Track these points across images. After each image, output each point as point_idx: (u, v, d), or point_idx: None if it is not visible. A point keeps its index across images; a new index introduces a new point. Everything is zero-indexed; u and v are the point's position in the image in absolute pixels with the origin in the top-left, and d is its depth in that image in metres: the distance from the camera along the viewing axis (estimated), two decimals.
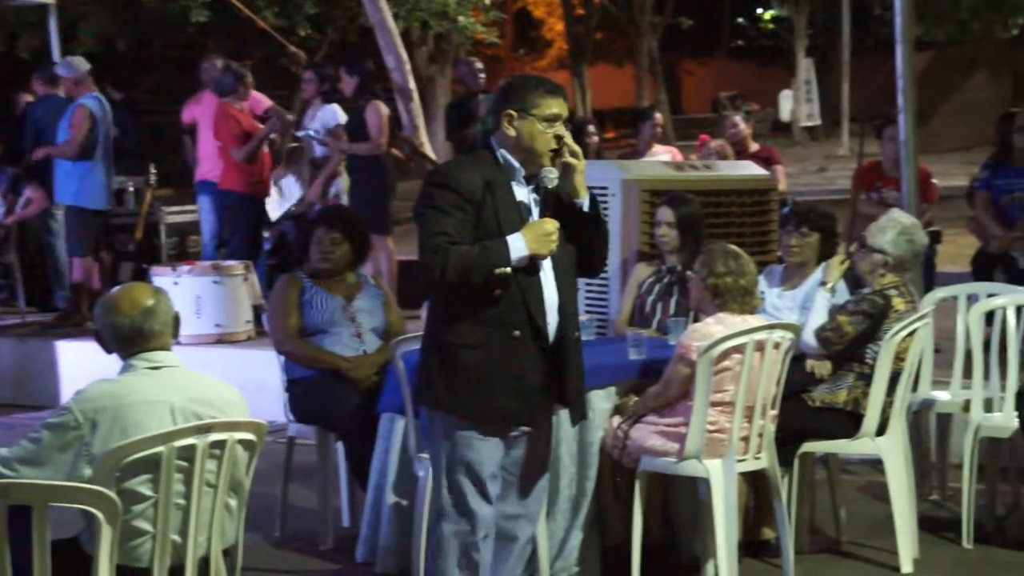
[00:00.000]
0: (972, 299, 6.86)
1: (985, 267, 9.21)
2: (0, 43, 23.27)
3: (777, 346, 5.57)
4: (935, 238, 9.34)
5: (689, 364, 5.50)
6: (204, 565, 4.19)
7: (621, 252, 7.17)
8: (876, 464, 6.35)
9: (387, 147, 10.40)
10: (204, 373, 4.39)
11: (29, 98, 11.79)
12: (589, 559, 5.82)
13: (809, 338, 6.04)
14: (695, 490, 5.81)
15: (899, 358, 5.96)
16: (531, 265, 4.59)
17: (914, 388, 6.35)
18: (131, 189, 11.87)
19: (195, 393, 4.23)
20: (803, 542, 6.20)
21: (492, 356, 4.60)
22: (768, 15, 43.46)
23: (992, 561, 6.16)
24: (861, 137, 11.85)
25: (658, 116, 11.51)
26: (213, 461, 4.11)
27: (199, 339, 9.44)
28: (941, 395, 6.87)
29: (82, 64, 10.76)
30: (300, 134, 11.08)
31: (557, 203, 4.68)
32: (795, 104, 33.28)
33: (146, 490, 4.04)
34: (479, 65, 11.82)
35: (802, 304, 6.51)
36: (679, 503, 6.06)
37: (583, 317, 6.40)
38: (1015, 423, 6.18)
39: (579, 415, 4.91)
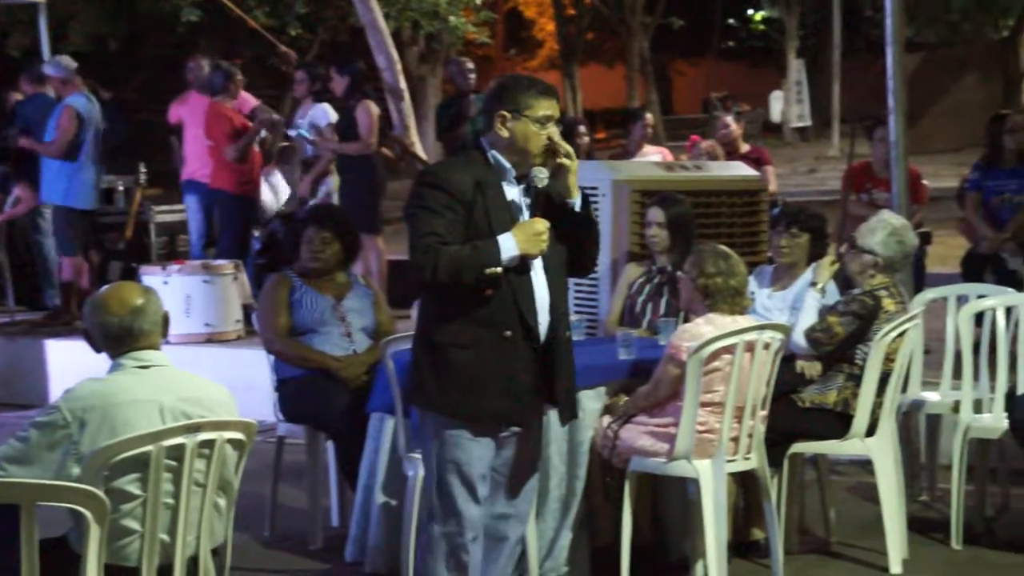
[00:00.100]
0: (962, 300, 6.87)
1: (975, 268, 9.21)
2: None
3: (767, 347, 5.57)
4: (925, 239, 9.35)
5: (679, 364, 5.50)
6: (193, 564, 4.18)
7: (611, 252, 7.17)
8: (866, 465, 6.35)
9: (377, 147, 10.40)
10: (193, 372, 4.38)
11: (19, 96, 11.76)
12: (578, 559, 5.82)
13: (799, 339, 6.04)
14: (685, 490, 5.81)
15: (889, 359, 5.96)
16: (522, 265, 4.59)
17: (904, 389, 6.36)
18: (121, 188, 11.85)
19: (184, 392, 4.22)
20: (792, 542, 6.21)
21: (483, 356, 4.60)
22: (759, 16, 43.53)
23: (981, 562, 6.16)
24: (851, 138, 11.84)
25: (649, 117, 11.52)
26: (202, 460, 4.11)
27: (189, 338, 9.43)
28: (931, 396, 6.88)
29: (69, 63, 10.73)
30: (291, 132, 11.08)
31: (548, 203, 4.68)
32: (786, 105, 33.33)
33: (135, 489, 4.03)
34: (470, 65, 11.82)
35: (792, 305, 6.51)
36: (669, 503, 6.06)
37: (573, 317, 6.41)
38: (1004, 424, 6.19)
39: (569, 415, 4.91)
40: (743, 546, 6.14)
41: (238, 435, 4.19)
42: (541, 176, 4.64)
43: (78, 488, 3.82)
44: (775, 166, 11.18)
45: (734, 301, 5.68)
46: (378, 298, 6.85)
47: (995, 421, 6.30)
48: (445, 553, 4.70)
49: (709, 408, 5.52)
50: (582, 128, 10.94)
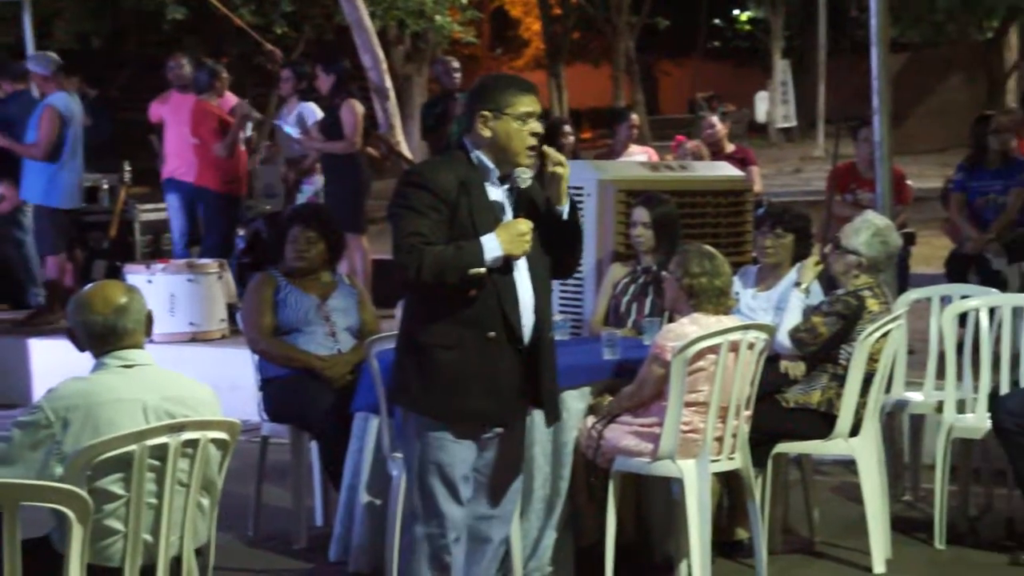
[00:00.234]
0: (946, 301, 6.89)
1: (959, 269, 9.24)
2: None
3: (751, 347, 5.57)
4: (909, 240, 9.37)
5: (663, 364, 5.51)
6: (176, 564, 4.17)
7: (596, 252, 7.17)
8: (849, 465, 6.37)
9: (362, 146, 10.39)
10: (178, 372, 4.38)
11: None
12: (563, 559, 5.82)
13: (783, 339, 6.05)
14: (669, 490, 5.81)
15: (873, 359, 5.97)
16: (506, 265, 4.59)
17: (887, 389, 6.37)
18: (105, 187, 11.81)
19: (168, 392, 4.21)
20: (776, 542, 6.21)
21: (467, 357, 4.60)
22: (744, 16, 43.59)
23: (964, 562, 6.18)
24: (836, 139, 11.89)
25: (634, 117, 11.52)
26: (185, 460, 4.10)
27: (173, 337, 9.41)
28: (914, 396, 6.89)
29: (52, 60, 10.68)
30: (277, 123, 11.08)
31: (533, 208, 4.67)
32: (771, 105, 33.33)
33: (118, 489, 4.02)
34: (455, 64, 11.82)
35: (776, 305, 6.52)
36: (653, 503, 6.06)
37: (558, 317, 6.42)
38: (987, 424, 6.20)
39: (554, 417, 4.91)
40: (727, 546, 6.15)
41: (222, 435, 4.18)
42: (524, 176, 4.64)
43: (61, 488, 3.80)
44: (760, 166, 11.20)
45: (719, 301, 5.69)
46: (363, 297, 6.85)
47: (978, 421, 6.32)
48: (428, 554, 4.70)
49: (693, 408, 5.52)
50: (567, 128, 10.94)
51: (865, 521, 6.00)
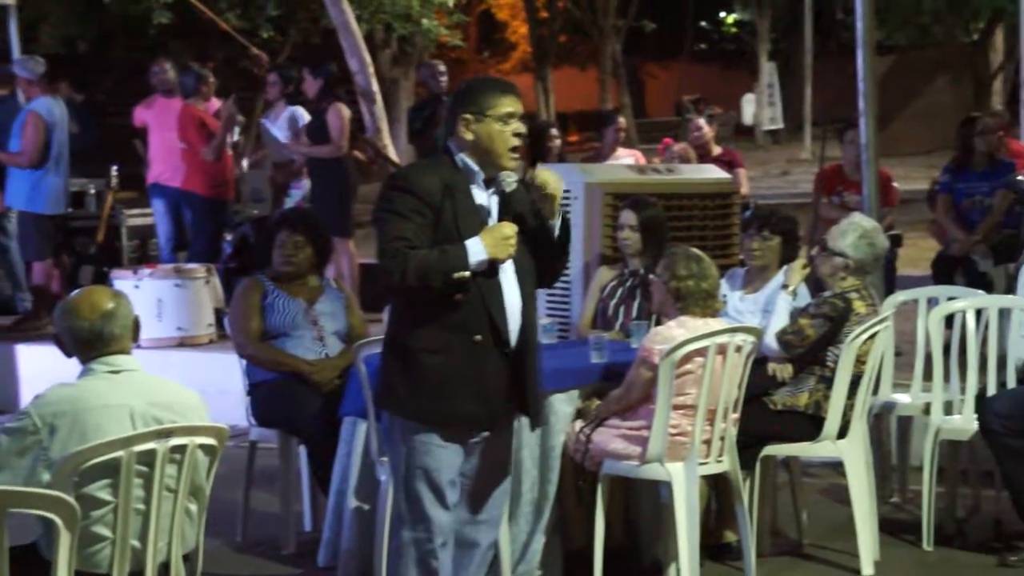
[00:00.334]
0: (932, 302, 6.90)
1: (945, 270, 9.25)
2: None
3: (739, 349, 5.58)
4: (896, 241, 9.38)
5: (651, 367, 5.51)
6: (164, 570, 4.16)
7: (584, 255, 7.18)
8: (837, 467, 6.37)
9: (348, 150, 10.39)
10: (165, 377, 4.37)
11: None
12: (551, 563, 5.82)
13: (771, 341, 6.06)
14: (657, 493, 5.82)
15: (860, 361, 5.98)
16: (491, 268, 4.58)
17: (875, 391, 6.37)
18: (92, 192, 11.79)
19: (155, 397, 4.21)
20: (765, 545, 6.22)
21: (453, 360, 4.59)
22: (731, 19, 43.68)
23: (952, 563, 6.19)
24: (823, 141, 11.90)
25: (621, 120, 11.52)
26: (173, 466, 4.09)
27: (160, 342, 9.40)
28: (902, 398, 6.90)
29: (37, 65, 10.64)
30: (263, 122, 11.08)
31: (520, 222, 4.66)
32: (758, 108, 33.41)
33: (105, 495, 4.01)
34: (441, 68, 11.81)
35: (764, 307, 6.53)
36: (641, 506, 6.07)
37: (545, 320, 6.42)
38: (975, 426, 6.21)
39: (537, 421, 4.90)
40: (715, 549, 6.15)
41: (209, 440, 4.17)
42: (509, 180, 4.64)
43: (48, 494, 3.79)
44: (747, 169, 11.21)
45: (706, 304, 5.69)
46: (350, 302, 6.84)
47: (965, 423, 6.33)
48: (415, 559, 4.68)
49: (681, 411, 5.52)
50: (554, 131, 10.93)
51: (853, 523, 6.01)
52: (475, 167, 4.65)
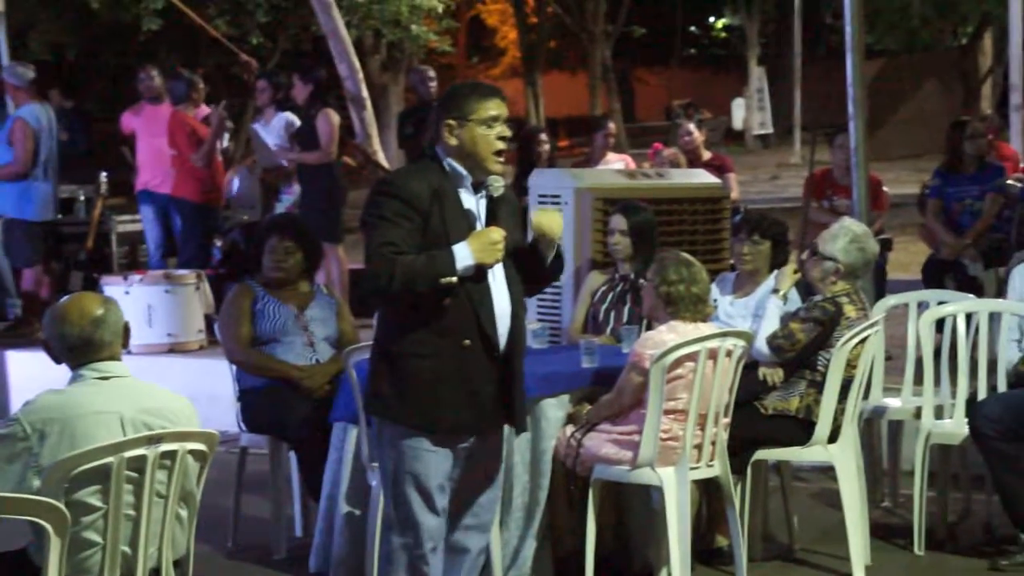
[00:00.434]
0: (923, 306, 6.91)
1: (936, 274, 9.26)
2: None
3: (730, 354, 5.58)
4: (886, 246, 9.40)
5: (642, 372, 5.51)
6: None
7: (574, 260, 7.18)
8: (828, 471, 6.37)
9: (338, 155, 10.38)
10: (155, 383, 4.36)
11: None
12: (542, 568, 5.82)
13: (761, 346, 6.06)
14: (648, 498, 5.81)
15: (850, 365, 5.98)
16: (479, 273, 4.58)
17: (865, 395, 6.38)
18: (82, 198, 11.77)
19: (145, 403, 4.20)
20: (756, 549, 6.22)
21: (442, 365, 4.58)
22: (720, 24, 43.72)
23: (943, 567, 6.19)
24: (812, 145, 11.89)
25: (611, 125, 11.54)
26: (163, 472, 4.08)
27: (150, 348, 9.39)
28: (892, 402, 6.91)
29: (25, 72, 10.62)
30: (254, 126, 11.08)
31: (507, 216, 4.67)
32: (747, 112, 33.43)
33: (96, 501, 4.00)
34: (431, 74, 11.81)
35: (754, 312, 6.52)
36: (632, 511, 6.06)
37: (536, 325, 6.42)
38: (965, 430, 6.21)
39: (521, 427, 4.88)
40: (707, 553, 6.15)
41: (200, 446, 4.17)
42: (496, 185, 4.65)
43: (38, 501, 3.79)
44: (737, 173, 11.22)
45: (696, 308, 5.69)
46: (341, 308, 6.84)
47: (956, 427, 6.33)
48: (404, 564, 4.67)
49: (672, 415, 5.52)
50: (543, 136, 10.92)
51: (844, 527, 6.00)
52: (463, 171, 4.65)
